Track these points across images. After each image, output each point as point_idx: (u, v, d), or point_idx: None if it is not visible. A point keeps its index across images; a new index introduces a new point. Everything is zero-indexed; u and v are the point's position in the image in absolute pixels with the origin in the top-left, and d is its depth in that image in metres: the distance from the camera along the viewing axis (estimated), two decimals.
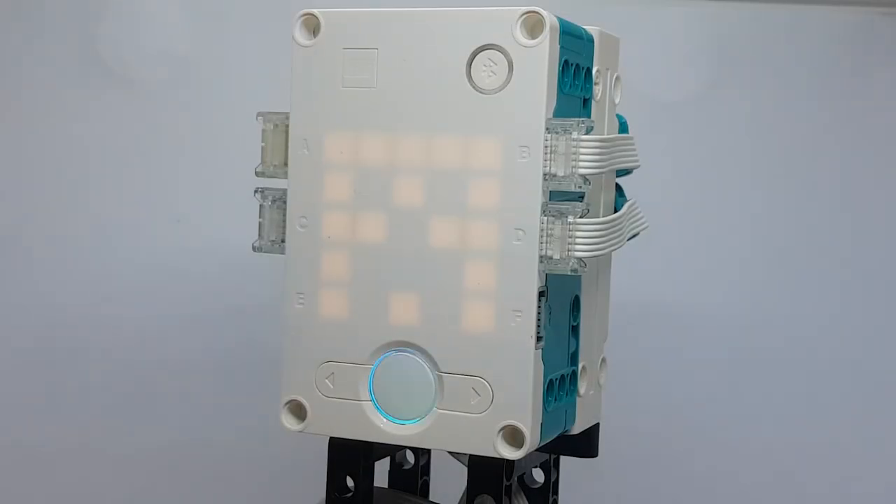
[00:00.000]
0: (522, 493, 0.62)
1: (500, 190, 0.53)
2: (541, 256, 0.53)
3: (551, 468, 0.64)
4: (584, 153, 0.53)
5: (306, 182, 0.56)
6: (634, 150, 0.60)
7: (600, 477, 0.83)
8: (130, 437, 0.90)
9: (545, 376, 0.54)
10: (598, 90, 0.58)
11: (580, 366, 0.59)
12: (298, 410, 0.57)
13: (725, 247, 0.88)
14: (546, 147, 0.52)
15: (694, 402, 0.88)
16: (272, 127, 0.58)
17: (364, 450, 0.58)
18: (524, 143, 0.52)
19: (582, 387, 0.59)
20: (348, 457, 0.58)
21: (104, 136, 0.90)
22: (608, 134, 0.59)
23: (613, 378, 0.64)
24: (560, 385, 0.56)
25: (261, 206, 0.58)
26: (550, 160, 0.53)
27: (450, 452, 0.60)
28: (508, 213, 0.53)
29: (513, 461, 0.55)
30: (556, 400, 0.56)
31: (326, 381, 0.56)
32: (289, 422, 0.57)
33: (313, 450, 0.62)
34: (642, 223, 0.62)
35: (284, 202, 0.57)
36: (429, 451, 0.67)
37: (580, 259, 0.53)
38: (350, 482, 0.58)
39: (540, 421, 0.54)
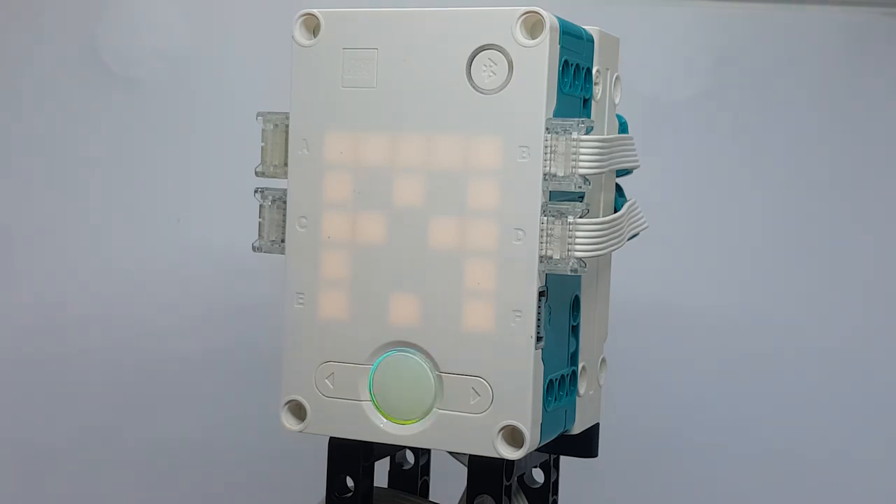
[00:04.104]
0: (522, 493, 0.62)
1: (499, 190, 0.53)
2: (541, 256, 0.53)
3: (551, 468, 0.64)
4: (584, 153, 0.53)
5: (306, 182, 0.56)
6: (634, 150, 0.60)
7: (600, 477, 0.83)
8: (130, 436, 0.90)
9: (545, 376, 0.54)
10: (598, 90, 0.58)
11: (580, 366, 0.59)
12: (298, 410, 0.57)
13: (725, 247, 0.88)
14: (546, 147, 0.52)
15: (694, 402, 0.88)
16: (272, 127, 0.58)
17: (364, 450, 0.58)
18: (524, 143, 0.52)
19: (582, 387, 0.59)
20: (348, 457, 0.58)
21: (104, 136, 0.90)
22: (608, 134, 0.59)
23: (613, 378, 0.64)
24: (560, 385, 0.56)
25: (261, 206, 0.58)
26: (550, 160, 0.53)
27: (450, 452, 0.60)
28: (508, 213, 0.53)
29: (513, 461, 0.55)
30: (555, 400, 0.56)
31: (326, 381, 0.56)
32: (289, 422, 0.57)
33: (313, 450, 0.62)
34: (642, 223, 0.62)
35: (284, 202, 0.57)
36: (429, 451, 0.67)
37: (580, 259, 0.53)
38: (350, 482, 0.58)
39: (540, 421, 0.54)
